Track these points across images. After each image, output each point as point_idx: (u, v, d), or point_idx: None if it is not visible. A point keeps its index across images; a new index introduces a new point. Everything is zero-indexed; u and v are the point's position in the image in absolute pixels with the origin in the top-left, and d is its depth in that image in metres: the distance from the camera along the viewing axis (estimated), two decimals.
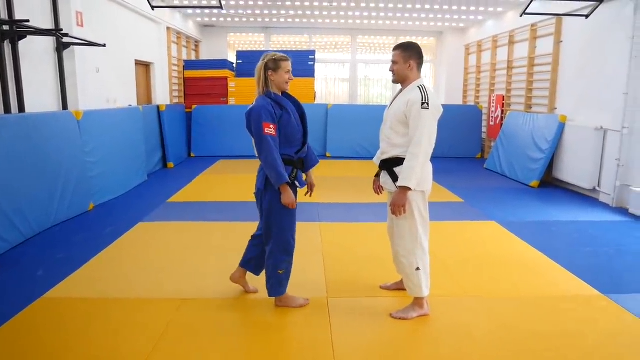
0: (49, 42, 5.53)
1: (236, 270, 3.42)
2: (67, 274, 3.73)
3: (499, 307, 3.28)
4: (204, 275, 3.76)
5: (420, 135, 2.86)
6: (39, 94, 5.37)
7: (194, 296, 3.38)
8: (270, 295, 3.19)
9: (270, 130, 2.89)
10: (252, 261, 3.35)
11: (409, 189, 2.86)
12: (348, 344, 2.79)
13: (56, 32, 5.25)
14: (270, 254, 3.09)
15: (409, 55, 2.99)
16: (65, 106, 5.77)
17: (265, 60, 3.02)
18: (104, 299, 3.34)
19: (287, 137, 3.00)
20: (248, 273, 3.41)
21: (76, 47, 5.85)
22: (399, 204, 2.89)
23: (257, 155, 3.07)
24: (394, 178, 2.99)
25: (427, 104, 2.87)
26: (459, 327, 3.00)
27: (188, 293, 3.43)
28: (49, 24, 5.45)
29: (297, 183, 3.08)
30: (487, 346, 2.78)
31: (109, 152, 6.29)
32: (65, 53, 5.70)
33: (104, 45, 6.04)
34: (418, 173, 2.87)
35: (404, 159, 2.95)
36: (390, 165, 3.04)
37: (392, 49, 3.11)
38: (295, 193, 3.09)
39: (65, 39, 5.55)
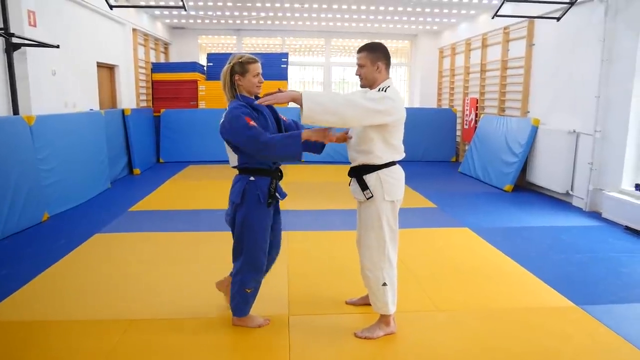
0: None
1: (225, 279, 3.20)
2: (8, 293, 3.42)
3: (469, 322, 3.10)
4: (158, 293, 3.50)
5: (353, 98, 2.62)
6: None
7: (144, 316, 3.12)
8: (234, 315, 2.96)
9: (253, 123, 2.64)
10: None
11: (299, 97, 2.53)
12: None
13: (0, 31, 4.91)
14: (238, 271, 2.86)
15: (376, 56, 2.78)
16: (16, 111, 5.42)
17: (232, 64, 2.76)
18: (43, 322, 3.04)
19: None
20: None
21: (28, 48, 5.51)
22: (279, 95, 2.58)
23: (232, 165, 2.84)
24: (363, 186, 2.79)
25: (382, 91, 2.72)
26: (426, 346, 2.81)
27: (138, 313, 3.17)
28: None
29: (277, 195, 2.87)
30: None
31: (65, 159, 5.95)
32: (16, 54, 5.36)
33: (58, 47, 5.70)
34: (320, 102, 2.54)
35: (372, 166, 2.77)
36: (359, 172, 2.83)
37: (356, 51, 2.88)
38: (278, 206, 2.96)
39: (15, 40, 5.21)
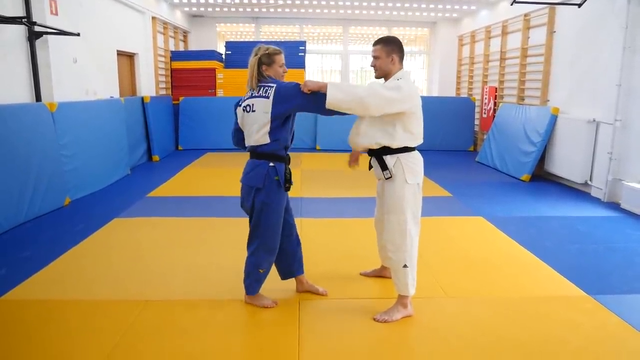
0: (19, 30, 5.31)
1: (296, 282, 3.32)
2: (30, 273, 3.56)
3: (479, 310, 3.12)
4: (173, 275, 3.60)
5: (374, 87, 2.77)
6: (9, 85, 5.16)
7: (159, 297, 3.22)
8: (247, 293, 3.08)
9: None
10: (292, 264, 3.24)
11: (325, 85, 2.72)
12: (314, 349, 2.63)
13: (22, 20, 5.02)
14: (253, 252, 2.99)
15: (391, 48, 2.93)
16: (38, 98, 5.55)
17: (259, 55, 2.92)
18: (63, 301, 3.17)
19: (292, 124, 2.97)
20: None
21: (50, 37, 5.62)
22: (308, 85, 2.76)
23: (255, 144, 2.91)
24: (383, 166, 2.92)
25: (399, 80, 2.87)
26: (434, 332, 2.84)
27: (154, 294, 3.27)
28: (20, 12, 5.23)
29: (292, 180, 2.98)
30: (462, 354, 2.62)
31: (86, 145, 6.09)
32: (38, 42, 5.48)
33: (78, 35, 5.81)
34: (344, 90, 2.73)
35: (392, 149, 2.90)
36: (380, 152, 2.95)
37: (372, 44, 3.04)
38: (286, 192, 2.99)
39: (37, 28, 5.33)
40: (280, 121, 2.86)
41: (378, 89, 2.75)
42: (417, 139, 2.95)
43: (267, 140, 2.87)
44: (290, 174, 2.96)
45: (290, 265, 3.21)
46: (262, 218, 2.92)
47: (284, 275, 3.25)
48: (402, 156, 2.91)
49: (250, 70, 2.94)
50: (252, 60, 2.93)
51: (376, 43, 2.98)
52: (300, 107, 2.85)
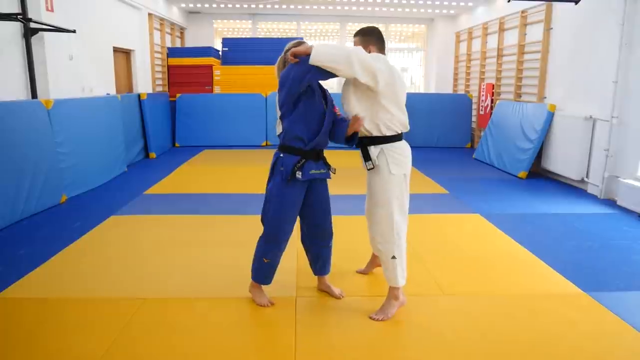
0: (15, 27, 5.29)
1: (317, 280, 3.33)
2: (26, 272, 3.55)
3: (475, 307, 3.13)
4: (169, 273, 3.59)
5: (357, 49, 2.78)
6: (5, 82, 5.15)
7: (157, 295, 3.22)
8: (253, 279, 3.10)
9: None
10: (314, 264, 3.25)
11: (309, 51, 2.68)
12: (311, 347, 2.63)
13: (18, 16, 4.99)
14: (260, 238, 3.03)
15: (368, 39, 2.95)
16: (34, 95, 5.53)
17: (282, 54, 2.94)
18: (59, 299, 3.16)
19: (305, 115, 2.81)
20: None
21: (46, 33, 5.60)
22: (298, 50, 2.74)
23: (277, 133, 2.95)
24: (366, 157, 2.92)
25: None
26: (431, 330, 2.85)
27: (151, 292, 3.26)
28: (15, 9, 5.20)
29: (298, 175, 2.81)
30: (459, 351, 2.63)
31: (83, 142, 6.07)
32: (34, 39, 5.46)
33: (74, 31, 5.79)
34: (330, 45, 2.79)
35: (376, 138, 2.87)
36: (364, 142, 2.94)
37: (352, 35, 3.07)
38: (300, 187, 2.90)
39: (32, 25, 5.30)
40: (288, 108, 2.82)
41: (361, 51, 2.75)
42: (400, 123, 2.88)
43: (280, 131, 2.93)
44: (299, 166, 2.82)
45: (313, 265, 3.23)
46: (268, 204, 2.95)
47: (313, 272, 3.28)
48: (386, 147, 2.87)
49: (277, 68, 2.98)
50: (279, 59, 2.96)
51: (356, 35, 3.01)
52: (294, 78, 2.73)
